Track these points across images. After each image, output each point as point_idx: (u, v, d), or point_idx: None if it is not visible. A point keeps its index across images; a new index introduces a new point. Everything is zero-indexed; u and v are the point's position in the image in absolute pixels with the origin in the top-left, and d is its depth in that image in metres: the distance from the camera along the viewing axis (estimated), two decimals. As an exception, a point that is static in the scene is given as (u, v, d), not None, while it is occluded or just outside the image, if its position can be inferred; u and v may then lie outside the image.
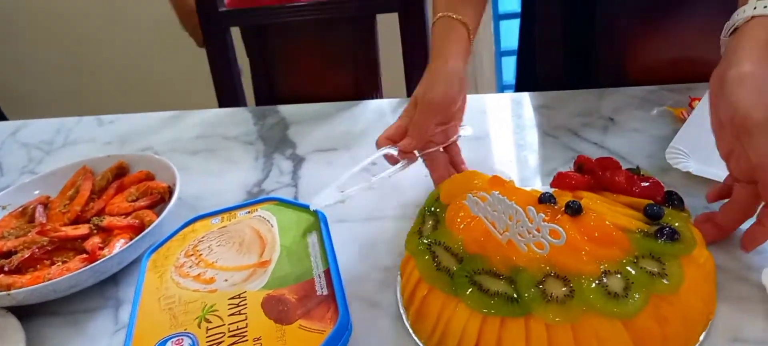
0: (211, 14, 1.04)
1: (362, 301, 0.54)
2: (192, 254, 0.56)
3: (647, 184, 0.52)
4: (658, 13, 0.77)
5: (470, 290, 0.44)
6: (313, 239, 0.55)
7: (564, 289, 0.43)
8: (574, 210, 0.47)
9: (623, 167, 0.55)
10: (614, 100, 0.82)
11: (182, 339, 0.46)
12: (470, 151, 0.77)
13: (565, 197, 0.50)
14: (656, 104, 0.78)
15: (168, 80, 2.23)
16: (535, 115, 0.84)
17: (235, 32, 1.08)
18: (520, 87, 0.99)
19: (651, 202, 0.50)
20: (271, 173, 0.79)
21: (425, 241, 0.49)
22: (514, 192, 0.51)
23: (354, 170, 0.61)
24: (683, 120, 0.73)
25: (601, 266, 0.43)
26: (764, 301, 0.48)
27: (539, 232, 0.43)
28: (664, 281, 0.43)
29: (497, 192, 0.46)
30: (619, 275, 0.43)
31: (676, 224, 0.47)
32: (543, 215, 0.43)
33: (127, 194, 0.72)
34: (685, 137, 0.67)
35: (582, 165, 0.56)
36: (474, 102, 0.90)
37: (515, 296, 0.43)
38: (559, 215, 0.47)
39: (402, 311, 0.51)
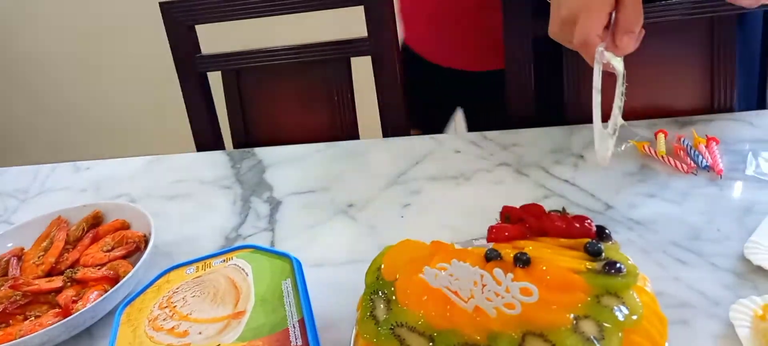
0: (188, 59, 1.05)
1: (339, 348, 0.54)
2: (166, 306, 0.55)
3: (579, 225, 0.53)
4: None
5: None
6: (287, 286, 0.55)
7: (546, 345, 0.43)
8: (524, 262, 0.48)
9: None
10: (584, 136, 0.84)
11: (156, 396, 0.46)
12: (444, 193, 0.78)
13: (506, 249, 0.50)
14: (623, 140, 0.80)
15: (145, 124, 2.23)
16: (507, 154, 0.86)
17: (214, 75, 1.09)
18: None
19: (590, 240, 0.51)
20: (248, 217, 0.79)
21: (387, 326, 0.47)
22: (458, 255, 0.50)
23: (595, 101, 0.59)
24: (646, 154, 0.75)
25: (571, 314, 0.44)
26: (710, 316, 0.50)
27: (509, 292, 0.44)
28: (632, 316, 0.44)
29: (457, 260, 0.46)
30: (588, 319, 0.44)
31: (616, 256, 0.48)
32: (511, 275, 0.43)
33: (103, 243, 0.72)
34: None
35: (508, 215, 0.56)
36: (448, 141, 0.92)
37: None
38: (510, 270, 0.46)
39: None
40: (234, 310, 0.53)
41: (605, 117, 0.62)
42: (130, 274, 0.62)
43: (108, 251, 0.71)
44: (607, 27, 0.59)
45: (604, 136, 0.59)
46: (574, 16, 0.59)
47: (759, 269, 0.53)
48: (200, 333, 0.51)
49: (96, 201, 0.82)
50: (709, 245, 0.59)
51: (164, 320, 0.54)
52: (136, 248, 0.70)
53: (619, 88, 0.59)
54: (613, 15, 0.59)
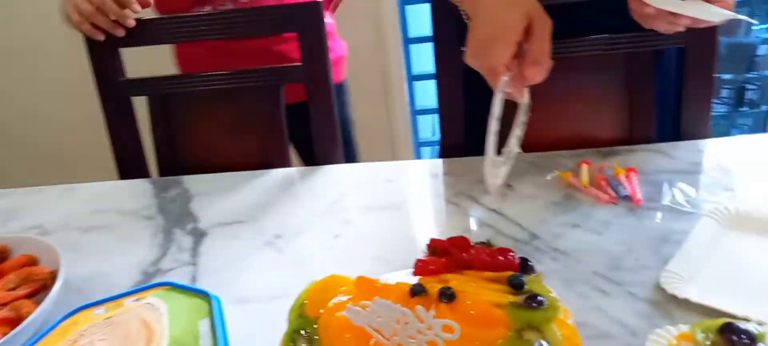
0: (111, 82, 1.01)
1: (260, 391, 0.52)
2: (71, 351, 0.51)
3: (504, 257, 0.53)
4: (550, 88, 0.83)
5: None
6: (205, 326, 0.52)
7: None
8: (448, 297, 0.47)
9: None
10: (513, 166, 0.85)
11: None
12: (375, 223, 0.77)
13: (431, 283, 0.50)
14: (549, 170, 0.82)
15: (64, 150, 2.12)
16: (437, 183, 0.86)
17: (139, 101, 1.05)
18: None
19: (513, 273, 0.51)
20: (169, 250, 0.76)
21: None
22: (383, 290, 0.50)
23: (491, 129, 0.61)
24: (570, 184, 0.77)
25: None
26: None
27: (431, 330, 0.43)
28: (553, 351, 0.45)
29: (380, 297, 0.45)
30: (511, 356, 0.44)
31: (538, 289, 0.49)
32: (433, 312, 0.43)
33: (6, 281, 0.66)
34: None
35: (435, 248, 0.56)
36: (386, 170, 0.91)
37: None
38: (434, 305, 0.46)
39: None
40: (145, 353, 0.50)
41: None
42: (32, 315, 0.58)
43: (11, 289, 0.65)
44: (516, 57, 0.61)
45: (496, 164, 0.60)
46: (485, 44, 0.60)
47: (674, 298, 0.55)
48: (106, 380, 0.47)
49: (4, 234, 0.76)
50: (628, 275, 0.60)
51: (67, 366, 0.50)
52: (42, 286, 0.65)
53: (520, 118, 0.60)
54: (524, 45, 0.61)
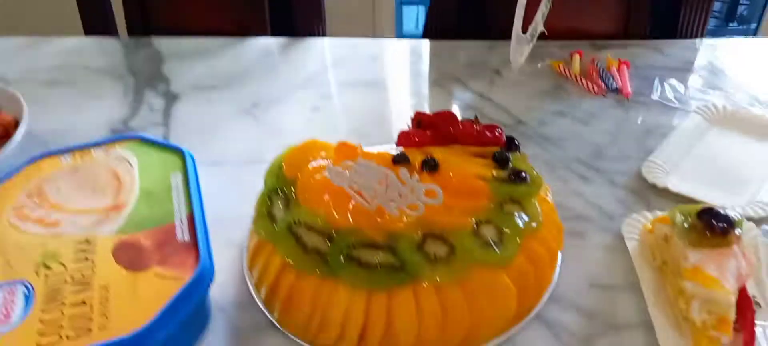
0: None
1: (233, 247, 0.51)
2: (35, 195, 0.49)
3: (490, 133, 0.52)
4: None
5: (349, 266, 0.41)
6: (177, 180, 0.50)
7: (445, 247, 0.42)
8: (431, 166, 0.47)
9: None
10: (502, 52, 0.82)
11: (15, 288, 0.41)
12: (357, 98, 0.75)
13: (414, 154, 0.49)
14: (541, 59, 0.79)
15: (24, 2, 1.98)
16: (424, 64, 0.83)
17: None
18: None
19: (498, 149, 0.50)
20: (140, 110, 0.72)
21: (283, 223, 0.44)
22: (365, 157, 0.48)
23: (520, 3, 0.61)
24: (561, 73, 0.75)
25: (472, 219, 0.43)
26: (603, 229, 0.51)
27: (414, 193, 0.42)
28: (532, 223, 0.44)
29: (363, 159, 0.43)
30: (490, 224, 0.43)
31: (522, 166, 0.48)
32: (417, 177, 0.42)
33: (-36, 126, 0.63)
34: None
35: (421, 121, 0.55)
36: (370, 47, 0.87)
37: (399, 263, 0.41)
38: (417, 174, 0.45)
39: (260, 304, 0.45)
40: (114, 202, 0.48)
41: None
42: (-7, 159, 0.55)
43: (-30, 134, 0.62)
44: None
45: (521, 41, 0.59)
46: None
47: (653, 187, 0.55)
48: (73, 223, 0.46)
49: (-40, 81, 0.71)
50: (610, 163, 0.60)
51: (32, 209, 0.48)
52: (4, 133, 0.62)
53: None
54: None
